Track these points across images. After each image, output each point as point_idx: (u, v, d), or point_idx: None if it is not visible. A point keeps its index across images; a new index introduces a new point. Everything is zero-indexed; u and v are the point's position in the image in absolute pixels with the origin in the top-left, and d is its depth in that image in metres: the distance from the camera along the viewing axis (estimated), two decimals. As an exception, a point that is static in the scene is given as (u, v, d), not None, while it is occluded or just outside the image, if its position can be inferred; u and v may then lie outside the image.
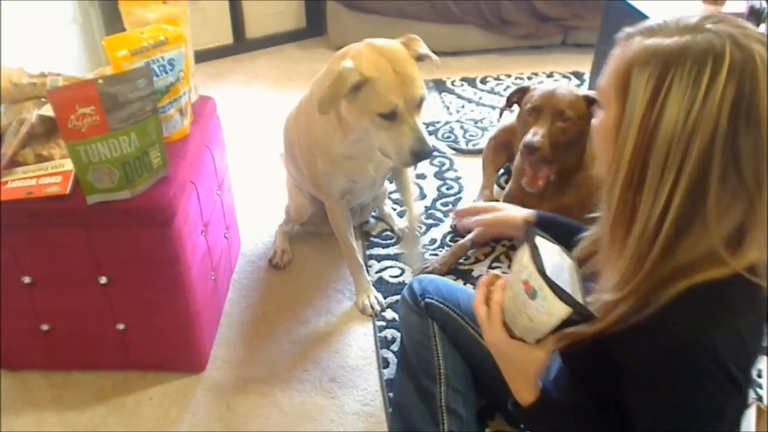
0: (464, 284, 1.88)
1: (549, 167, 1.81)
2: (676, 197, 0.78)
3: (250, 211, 2.25)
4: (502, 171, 2.38)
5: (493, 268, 1.99)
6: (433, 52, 1.53)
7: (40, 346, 1.59)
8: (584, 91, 1.82)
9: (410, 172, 1.92)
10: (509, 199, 1.98)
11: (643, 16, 2.21)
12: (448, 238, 2.13)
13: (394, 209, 2.25)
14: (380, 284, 1.94)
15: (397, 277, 1.97)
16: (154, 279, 1.47)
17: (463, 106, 3.01)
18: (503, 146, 2.29)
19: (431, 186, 2.42)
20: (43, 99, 1.51)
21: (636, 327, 0.82)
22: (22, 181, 1.39)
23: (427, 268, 1.95)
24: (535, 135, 1.74)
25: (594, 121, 0.94)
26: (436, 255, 2.03)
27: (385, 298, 1.88)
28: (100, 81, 1.27)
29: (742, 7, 2.27)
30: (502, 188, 2.30)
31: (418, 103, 1.45)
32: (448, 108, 3.00)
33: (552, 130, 1.75)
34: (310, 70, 3.32)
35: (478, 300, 0.99)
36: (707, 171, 0.76)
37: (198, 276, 1.57)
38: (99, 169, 1.32)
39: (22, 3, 2.37)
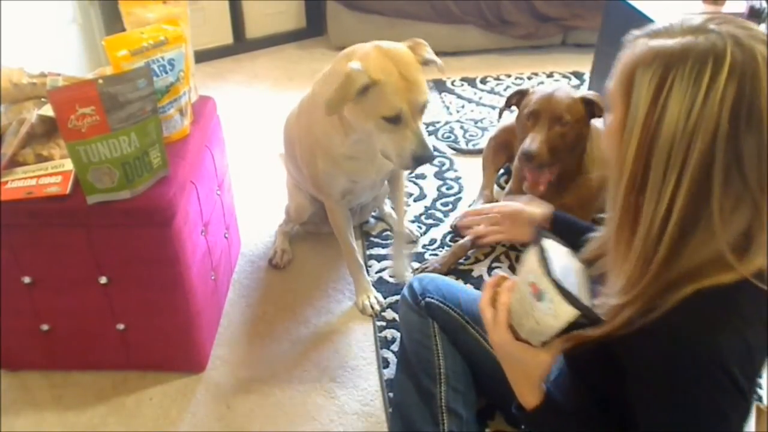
0: (464, 284, 1.88)
1: (549, 171, 1.81)
2: (678, 198, 0.78)
3: (250, 211, 2.25)
4: (502, 171, 2.38)
5: (493, 269, 1.99)
6: (434, 52, 1.53)
7: (40, 346, 1.59)
8: (581, 92, 1.82)
9: (404, 179, 1.92)
10: (509, 199, 1.98)
11: (642, 16, 2.21)
12: (448, 238, 2.13)
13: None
14: (380, 284, 1.94)
15: (397, 277, 1.97)
16: (154, 279, 1.47)
17: (463, 106, 3.01)
18: (503, 146, 2.29)
19: (431, 186, 2.42)
20: (43, 99, 1.51)
21: (641, 330, 0.82)
22: (22, 181, 1.39)
23: (427, 268, 1.95)
24: (533, 142, 1.75)
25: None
26: (436, 255, 2.03)
27: (385, 298, 1.88)
28: (100, 81, 1.27)
29: (742, 7, 2.27)
30: (502, 188, 2.31)
31: (422, 108, 1.46)
32: (448, 108, 3.00)
33: (550, 135, 1.76)
34: (310, 70, 3.33)
35: (485, 301, 0.99)
36: (709, 172, 0.76)
37: (198, 276, 1.57)
38: (99, 169, 1.32)
39: (22, 3, 2.37)
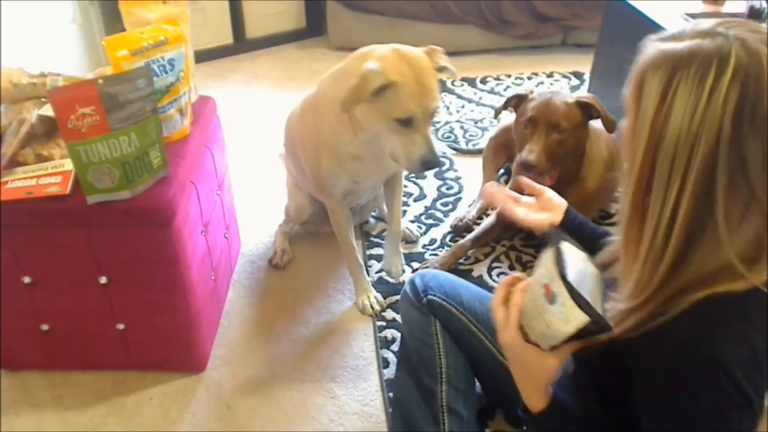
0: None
1: (549, 176, 1.82)
2: (683, 201, 0.78)
3: (250, 211, 2.25)
4: (502, 171, 2.38)
5: (493, 269, 1.99)
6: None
7: (40, 346, 1.59)
8: (576, 95, 1.82)
9: (403, 179, 1.92)
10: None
11: (642, 16, 2.21)
12: (448, 238, 2.13)
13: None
14: (380, 284, 1.94)
15: (397, 277, 1.97)
16: (154, 279, 1.47)
17: (463, 106, 3.01)
18: (503, 146, 2.29)
19: (431, 186, 2.42)
20: (43, 99, 1.51)
21: (649, 333, 0.82)
22: (22, 181, 1.39)
23: (427, 268, 1.95)
24: (531, 153, 1.76)
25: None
26: (436, 255, 2.03)
27: (385, 298, 1.88)
28: (100, 81, 1.27)
29: (742, 7, 2.27)
30: (502, 188, 2.30)
31: (432, 114, 1.48)
32: (448, 108, 3.00)
33: (548, 143, 1.77)
34: (310, 70, 3.33)
35: (497, 300, 0.98)
36: (713, 175, 0.76)
37: (198, 276, 1.57)
38: (99, 169, 1.32)
39: (22, 3, 2.37)
